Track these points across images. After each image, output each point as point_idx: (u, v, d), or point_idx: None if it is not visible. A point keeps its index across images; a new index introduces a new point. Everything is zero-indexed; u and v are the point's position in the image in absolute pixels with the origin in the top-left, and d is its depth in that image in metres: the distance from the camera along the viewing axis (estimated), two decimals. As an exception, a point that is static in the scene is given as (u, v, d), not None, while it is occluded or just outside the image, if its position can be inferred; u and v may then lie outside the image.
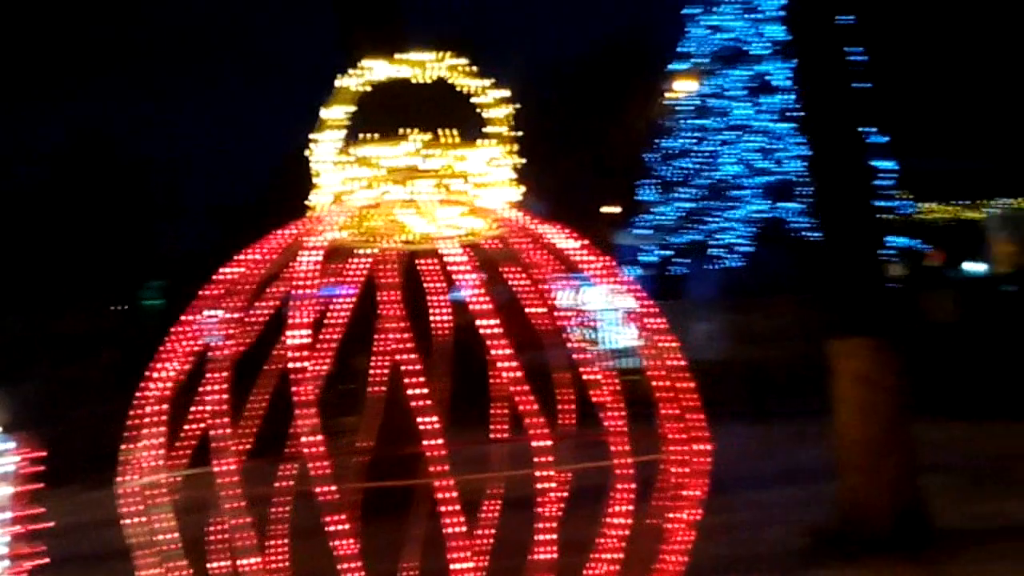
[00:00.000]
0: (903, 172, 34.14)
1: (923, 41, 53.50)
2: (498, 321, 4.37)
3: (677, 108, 33.58)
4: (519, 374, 4.40)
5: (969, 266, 45.84)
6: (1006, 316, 30.43)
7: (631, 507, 4.88)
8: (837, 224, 8.82)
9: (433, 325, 5.83)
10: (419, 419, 4.25)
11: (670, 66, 33.89)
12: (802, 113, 9.58)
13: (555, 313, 5.40)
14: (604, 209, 39.98)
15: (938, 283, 29.21)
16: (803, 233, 27.40)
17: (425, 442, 4.18)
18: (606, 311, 5.72)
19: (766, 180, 31.54)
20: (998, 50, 52.60)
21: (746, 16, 31.81)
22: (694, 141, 32.87)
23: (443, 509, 4.18)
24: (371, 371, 5.80)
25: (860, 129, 9.18)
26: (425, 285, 5.67)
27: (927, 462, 9.23)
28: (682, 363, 4.87)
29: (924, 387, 14.03)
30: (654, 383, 4.83)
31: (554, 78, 44.58)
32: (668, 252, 32.86)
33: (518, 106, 5.55)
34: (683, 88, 33.01)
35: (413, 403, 4.28)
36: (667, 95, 34.20)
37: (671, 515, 4.82)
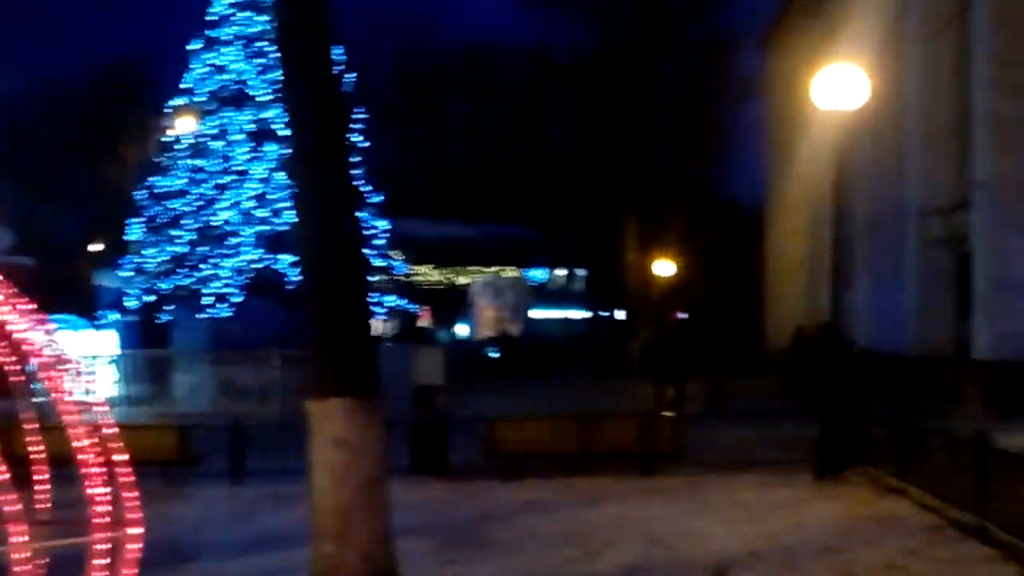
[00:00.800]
0: (397, 233, 34.88)
1: (423, 112, 55.99)
2: None
3: (174, 146, 32.11)
4: None
5: (457, 328, 48.13)
6: (488, 378, 31.93)
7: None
8: (319, 280, 8.31)
9: None
10: None
11: (170, 102, 32.40)
12: (291, 160, 9.00)
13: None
14: (91, 247, 37.54)
15: (427, 344, 30.02)
16: (295, 286, 26.96)
17: None
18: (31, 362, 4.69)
19: (262, 229, 30.70)
20: (491, 127, 56.16)
21: (251, 59, 31.01)
22: (188, 182, 31.47)
23: None
24: None
25: (356, 187, 8.82)
26: None
27: (407, 524, 9.05)
28: (114, 430, 3.96)
29: (409, 448, 13.99)
30: (80, 456, 3.89)
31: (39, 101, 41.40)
32: (154, 297, 31.12)
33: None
34: (181, 126, 31.63)
35: None
36: (164, 131, 32.65)
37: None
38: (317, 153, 8.29)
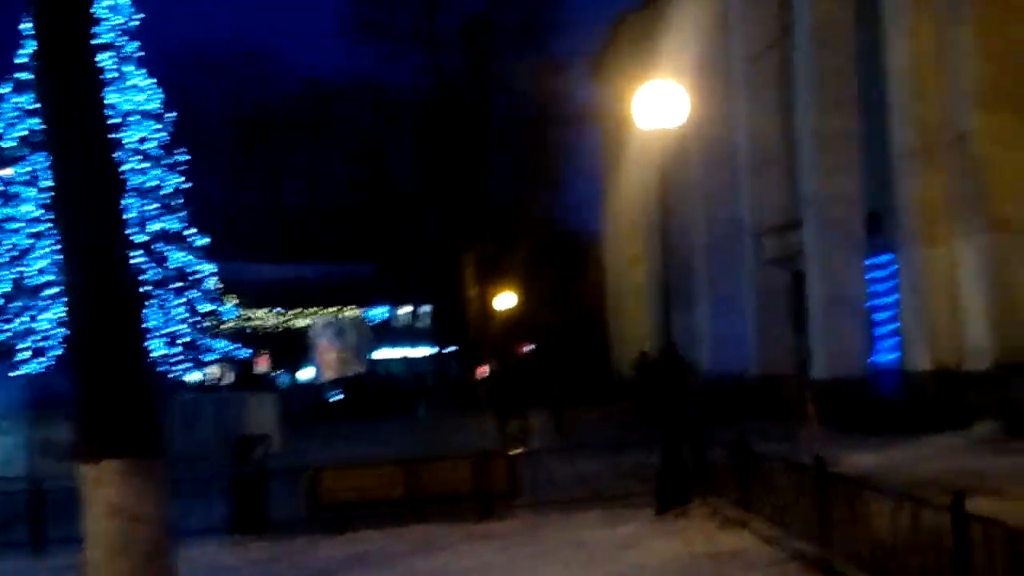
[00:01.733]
0: (232, 276, 33.57)
1: (260, 151, 54.68)
2: None
3: (-16, 194, 30.29)
4: None
5: (301, 372, 46.76)
6: (330, 422, 30.88)
7: None
8: (84, 329, 7.43)
9: None
10: None
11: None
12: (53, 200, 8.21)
13: None
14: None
15: (262, 390, 28.85)
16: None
17: None
18: None
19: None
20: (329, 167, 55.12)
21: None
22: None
23: None
24: None
25: (125, 231, 8.00)
26: None
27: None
28: None
29: (228, 504, 12.97)
30: None
31: None
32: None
33: None
34: (-8, 173, 29.90)
35: None
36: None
37: None
38: (78, 192, 7.44)
